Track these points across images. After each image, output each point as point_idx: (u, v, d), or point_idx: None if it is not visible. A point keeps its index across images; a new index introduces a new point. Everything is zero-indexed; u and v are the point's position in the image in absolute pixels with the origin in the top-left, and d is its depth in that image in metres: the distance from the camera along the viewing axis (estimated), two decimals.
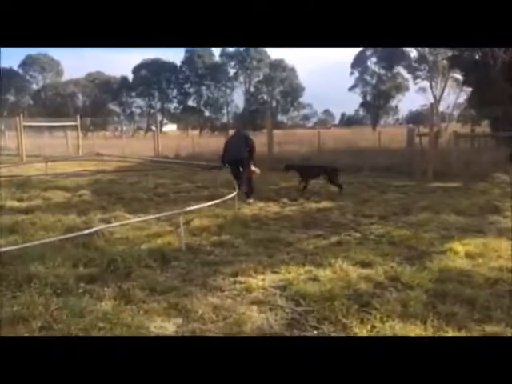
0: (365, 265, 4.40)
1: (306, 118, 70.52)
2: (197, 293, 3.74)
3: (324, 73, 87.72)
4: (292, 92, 66.47)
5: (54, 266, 4.17)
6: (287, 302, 3.59)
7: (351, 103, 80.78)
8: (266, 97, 67.36)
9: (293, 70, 66.91)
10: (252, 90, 67.86)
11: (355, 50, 61.53)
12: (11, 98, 65.49)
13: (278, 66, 66.07)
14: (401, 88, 61.65)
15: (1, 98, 57.60)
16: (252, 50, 64.40)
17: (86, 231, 4.66)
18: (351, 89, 64.44)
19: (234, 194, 6.98)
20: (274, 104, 65.90)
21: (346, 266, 4.27)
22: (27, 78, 66.93)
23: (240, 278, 4.09)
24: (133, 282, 3.99)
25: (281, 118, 64.43)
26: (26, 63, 66.26)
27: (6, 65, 66.05)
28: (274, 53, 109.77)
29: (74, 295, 3.66)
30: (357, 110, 68.17)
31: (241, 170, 8.80)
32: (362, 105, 65.24)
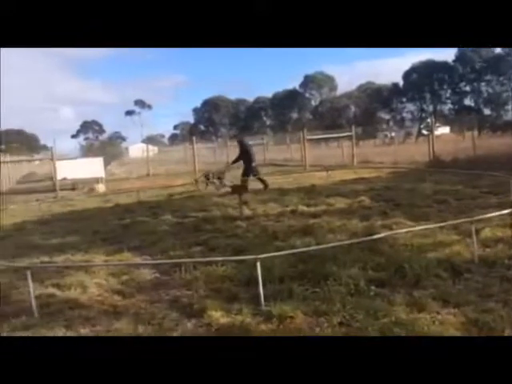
0: None
1: None
2: (499, 310, 3.35)
3: None
4: None
5: (346, 267, 4.45)
6: None
7: None
8: None
9: None
10: None
11: None
12: (294, 115, 74.79)
13: None
14: None
15: (286, 116, 66.33)
16: None
17: (375, 236, 4.81)
18: None
19: None
20: None
21: None
22: (307, 95, 75.06)
23: None
24: (423, 290, 3.89)
25: None
26: (305, 83, 74.49)
27: (290, 86, 76.01)
28: None
29: (365, 297, 3.82)
30: None
31: None
32: None
